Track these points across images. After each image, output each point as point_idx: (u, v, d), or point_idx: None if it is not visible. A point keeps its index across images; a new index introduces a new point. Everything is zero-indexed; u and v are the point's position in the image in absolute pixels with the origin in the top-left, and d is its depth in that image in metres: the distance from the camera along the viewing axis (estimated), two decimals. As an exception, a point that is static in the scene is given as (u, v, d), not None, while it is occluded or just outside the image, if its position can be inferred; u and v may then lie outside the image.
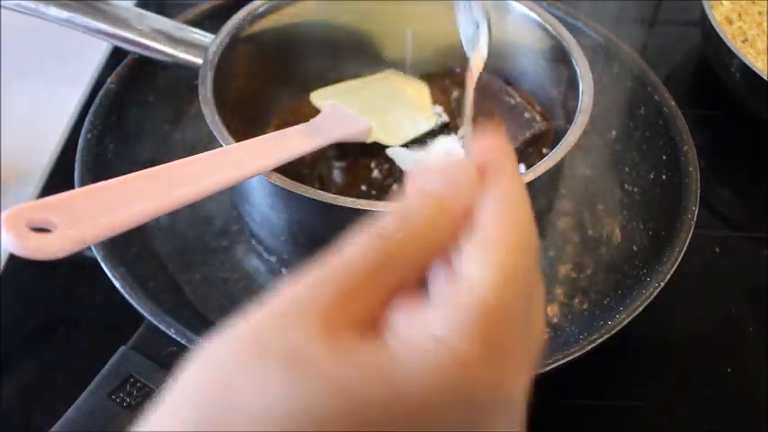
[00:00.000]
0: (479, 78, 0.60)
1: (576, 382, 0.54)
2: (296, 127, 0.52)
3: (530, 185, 0.45)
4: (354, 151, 0.56)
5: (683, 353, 0.58)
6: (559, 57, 0.55)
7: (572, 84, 0.53)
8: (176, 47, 0.54)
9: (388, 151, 0.55)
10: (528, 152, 0.58)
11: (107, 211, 0.38)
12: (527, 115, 0.58)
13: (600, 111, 0.65)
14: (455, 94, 0.61)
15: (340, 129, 0.53)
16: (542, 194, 0.53)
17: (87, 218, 0.37)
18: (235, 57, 0.54)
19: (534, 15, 0.57)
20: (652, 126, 0.62)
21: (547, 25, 0.56)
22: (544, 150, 0.57)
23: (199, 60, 0.52)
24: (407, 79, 0.62)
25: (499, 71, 0.61)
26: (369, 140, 0.55)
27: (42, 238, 0.35)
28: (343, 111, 0.55)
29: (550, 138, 0.58)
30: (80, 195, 0.38)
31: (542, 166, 0.47)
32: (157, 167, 0.42)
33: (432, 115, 0.60)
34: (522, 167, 0.56)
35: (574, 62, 0.54)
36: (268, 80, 0.59)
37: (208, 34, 0.55)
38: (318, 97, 0.59)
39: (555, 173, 0.50)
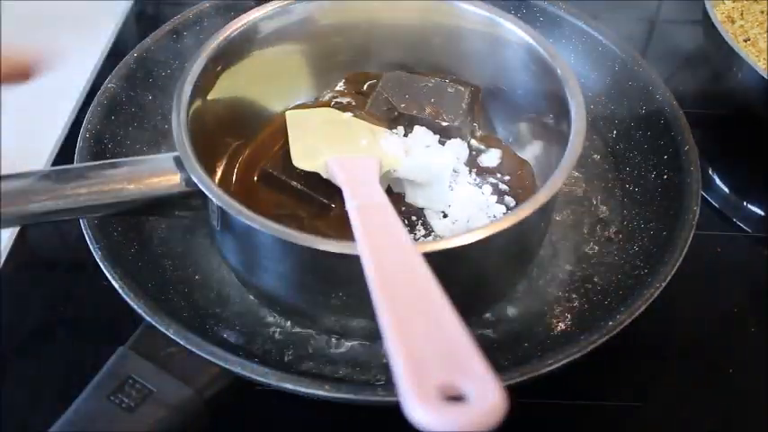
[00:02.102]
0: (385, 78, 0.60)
1: (577, 383, 0.53)
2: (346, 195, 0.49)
3: (528, 220, 0.45)
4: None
5: (684, 353, 0.57)
6: (551, 82, 0.55)
7: (565, 111, 0.52)
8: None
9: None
10: (468, 122, 0.59)
11: None
12: (450, 90, 0.59)
13: (601, 110, 0.66)
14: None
15: (365, 174, 0.51)
16: (543, 215, 0.53)
17: None
18: (211, 80, 0.54)
19: (526, 36, 0.57)
20: (653, 126, 0.62)
21: (540, 49, 0.56)
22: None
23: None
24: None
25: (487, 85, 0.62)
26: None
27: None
28: (348, 159, 0.53)
29: (480, 97, 0.60)
30: None
31: (542, 196, 0.47)
32: None
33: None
34: (478, 142, 0.59)
35: (567, 93, 0.53)
36: (251, 97, 0.60)
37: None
38: (294, 118, 0.57)
39: (550, 203, 0.50)
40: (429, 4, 0.60)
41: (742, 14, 0.77)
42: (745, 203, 0.70)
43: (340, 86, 0.63)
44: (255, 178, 0.57)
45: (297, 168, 0.56)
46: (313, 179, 0.56)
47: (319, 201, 0.55)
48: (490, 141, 0.60)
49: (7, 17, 0.82)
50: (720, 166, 0.71)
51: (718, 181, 0.70)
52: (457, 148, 0.57)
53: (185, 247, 0.57)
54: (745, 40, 0.74)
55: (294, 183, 0.55)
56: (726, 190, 0.70)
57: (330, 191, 0.55)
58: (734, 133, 0.73)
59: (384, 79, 0.60)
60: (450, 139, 0.58)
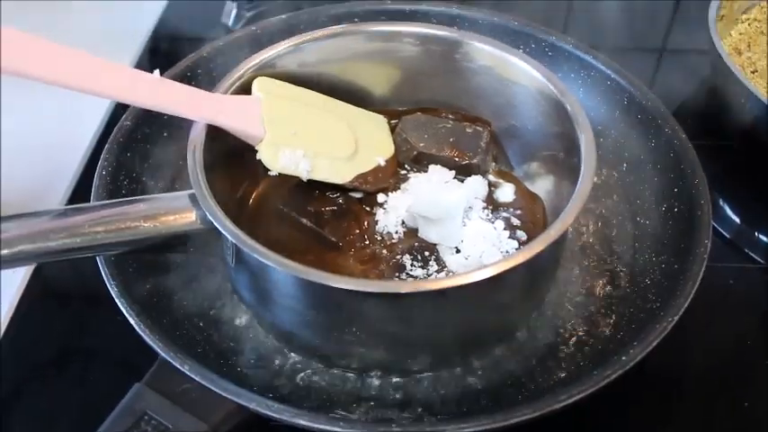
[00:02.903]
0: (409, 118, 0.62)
1: (590, 418, 0.53)
2: (200, 92, 0.52)
3: (540, 255, 0.46)
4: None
5: (698, 387, 0.57)
6: (561, 118, 0.56)
7: (575, 146, 0.53)
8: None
9: (411, 210, 0.55)
10: (487, 160, 0.61)
11: None
12: (469, 130, 0.61)
13: (610, 144, 0.66)
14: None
15: (236, 120, 0.53)
16: (554, 250, 0.54)
17: None
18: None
19: (535, 72, 0.58)
20: (663, 158, 0.62)
21: (549, 85, 0.57)
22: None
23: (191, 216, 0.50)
24: (369, 116, 0.62)
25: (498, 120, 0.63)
26: (306, 178, 0.55)
27: None
28: (256, 108, 0.54)
29: (494, 138, 0.62)
30: None
31: (553, 231, 0.48)
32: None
33: (390, 149, 0.60)
34: (491, 177, 0.61)
35: (577, 128, 0.54)
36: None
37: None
38: (265, 86, 0.57)
39: (562, 238, 0.51)
40: (438, 41, 0.60)
41: (749, 46, 0.77)
42: (756, 234, 0.70)
43: None
44: (268, 215, 0.58)
45: (308, 206, 0.56)
46: (323, 217, 0.56)
47: (328, 239, 0.55)
48: (502, 176, 0.61)
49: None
50: (730, 197, 0.71)
51: (728, 211, 0.70)
52: (476, 186, 0.58)
53: (200, 283, 0.58)
54: (753, 72, 0.75)
55: (304, 220, 0.56)
56: (737, 221, 0.70)
57: (339, 229, 0.56)
58: (743, 164, 0.73)
59: (403, 120, 0.62)
60: (469, 176, 0.59)
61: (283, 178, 0.56)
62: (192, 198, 0.49)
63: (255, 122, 0.53)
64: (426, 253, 0.54)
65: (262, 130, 0.53)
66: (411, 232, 0.56)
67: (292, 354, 0.54)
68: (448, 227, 0.54)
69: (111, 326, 0.54)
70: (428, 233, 0.54)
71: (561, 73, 0.65)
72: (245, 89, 0.57)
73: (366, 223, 0.56)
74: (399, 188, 0.59)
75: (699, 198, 0.57)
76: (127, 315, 0.50)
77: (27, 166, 0.71)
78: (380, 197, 0.58)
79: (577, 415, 0.49)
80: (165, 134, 0.63)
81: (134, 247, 0.50)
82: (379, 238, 0.56)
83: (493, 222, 0.56)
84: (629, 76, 0.66)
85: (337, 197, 0.57)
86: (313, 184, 0.56)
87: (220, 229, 0.47)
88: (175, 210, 0.49)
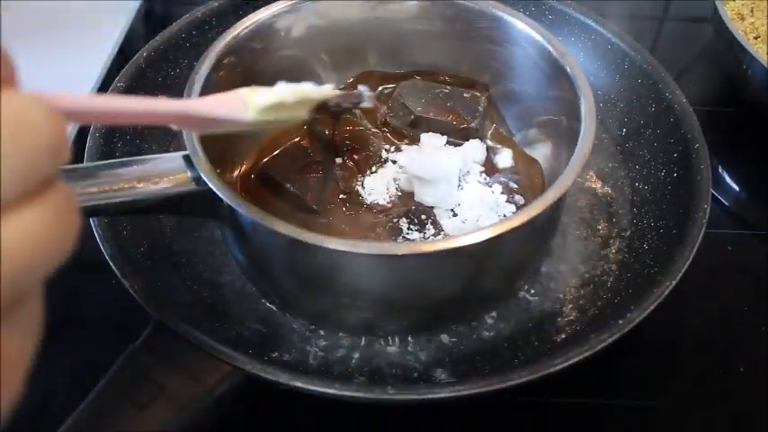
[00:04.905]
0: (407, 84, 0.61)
1: (587, 382, 0.53)
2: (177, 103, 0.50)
3: (537, 218, 0.45)
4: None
5: (695, 352, 0.57)
6: (560, 81, 0.55)
7: (574, 110, 0.52)
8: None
9: (408, 170, 0.55)
10: (485, 125, 0.60)
11: None
12: (467, 95, 0.60)
13: (610, 108, 0.65)
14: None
15: (220, 109, 0.47)
16: (552, 213, 0.53)
17: None
18: (221, 79, 0.54)
19: (535, 35, 0.57)
20: (663, 124, 0.61)
21: (550, 48, 0.56)
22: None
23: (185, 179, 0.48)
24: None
25: (497, 84, 0.62)
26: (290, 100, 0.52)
27: None
28: (239, 97, 0.47)
29: (492, 104, 0.62)
30: None
31: (551, 195, 0.47)
32: None
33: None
34: (489, 142, 0.60)
35: (577, 91, 0.53)
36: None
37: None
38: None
39: (559, 201, 0.50)
40: (436, 2, 0.60)
41: (752, 11, 0.77)
42: (756, 201, 0.70)
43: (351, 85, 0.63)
44: (255, 178, 0.57)
45: (296, 173, 0.56)
46: (308, 182, 0.56)
47: (308, 205, 0.55)
48: (501, 141, 0.61)
49: (16, 16, 0.82)
50: (730, 163, 0.71)
51: (727, 179, 0.70)
52: (474, 149, 0.58)
53: (195, 245, 0.58)
54: (756, 38, 0.74)
55: (288, 185, 0.56)
56: (736, 188, 0.70)
57: (331, 194, 0.56)
58: (744, 131, 0.73)
59: (401, 86, 0.61)
60: (466, 140, 0.59)
61: (273, 144, 0.55)
62: (187, 159, 0.48)
63: (240, 107, 0.52)
64: (423, 217, 0.54)
65: (246, 113, 0.51)
66: (407, 196, 0.55)
67: (287, 316, 0.54)
68: (444, 189, 0.53)
69: (106, 290, 0.53)
70: (424, 196, 0.54)
71: (561, 36, 0.65)
72: (242, 47, 0.56)
73: (357, 189, 0.56)
74: (389, 160, 0.58)
75: (699, 163, 0.57)
76: (120, 277, 0.49)
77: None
78: (372, 166, 0.57)
79: (574, 379, 0.49)
80: (159, 96, 0.62)
81: (128, 209, 0.49)
82: (369, 204, 0.55)
83: (490, 186, 0.56)
84: (631, 41, 0.66)
85: (327, 162, 0.57)
86: (304, 151, 0.56)
87: (215, 189, 0.46)
88: (170, 171, 0.49)
